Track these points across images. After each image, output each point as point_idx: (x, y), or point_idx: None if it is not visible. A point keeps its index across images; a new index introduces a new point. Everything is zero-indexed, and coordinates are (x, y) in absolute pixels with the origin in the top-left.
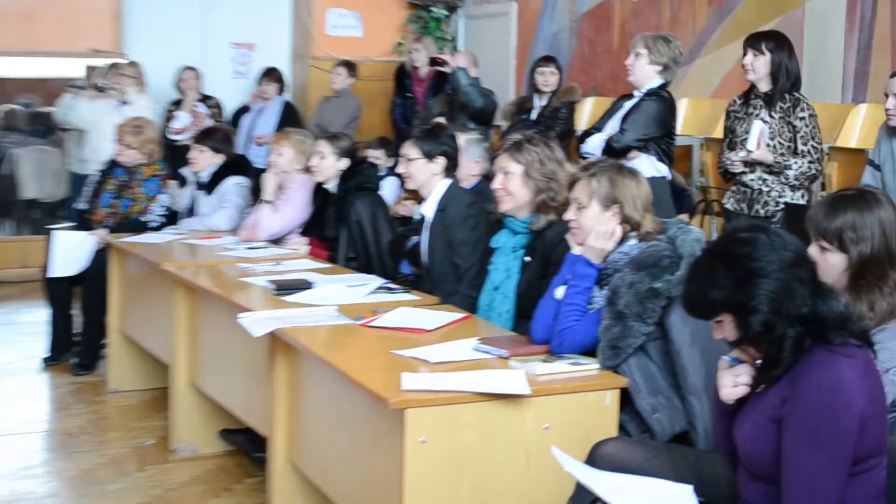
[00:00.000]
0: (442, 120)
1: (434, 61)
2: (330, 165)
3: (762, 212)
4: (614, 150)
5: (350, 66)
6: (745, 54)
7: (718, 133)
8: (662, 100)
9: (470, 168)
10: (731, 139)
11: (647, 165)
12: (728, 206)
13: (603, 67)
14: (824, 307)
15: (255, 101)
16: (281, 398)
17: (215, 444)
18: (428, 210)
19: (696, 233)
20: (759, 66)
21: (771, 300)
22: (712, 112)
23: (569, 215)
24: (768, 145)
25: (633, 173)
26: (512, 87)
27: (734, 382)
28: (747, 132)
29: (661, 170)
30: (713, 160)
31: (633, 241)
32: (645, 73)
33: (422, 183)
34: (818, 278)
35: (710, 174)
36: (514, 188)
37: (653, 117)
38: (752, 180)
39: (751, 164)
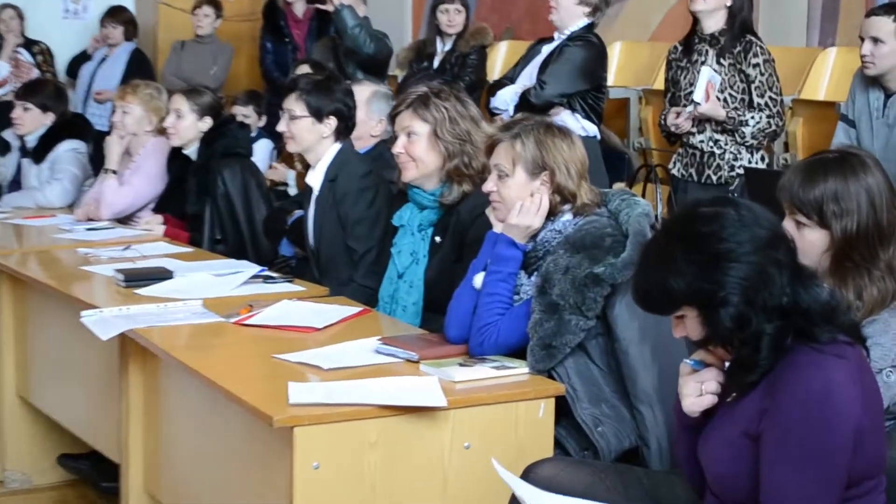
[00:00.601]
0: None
1: None
2: (189, 126)
3: (714, 178)
4: (532, 107)
5: (216, 5)
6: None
7: (659, 84)
8: (590, 45)
9: (370, 127)
10: (674, 93)
11: (571, 124)
12: (674, 172)
13: (519, 5)
14: (807, 297)
15: (97, 48)
16: (135, 416)
17: (52, 472)
18: (315, 180)
19: (643, 205)
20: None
21: (743, 289)
22: (651, 58)
23: (488, 186)
24: (718, 98)
25: (564, 133)
26: (408, 28)
27: (699, 391)
28: (693, 84)
29: (589, 129)
30: (654, 117)
31: (567, 217)
32: (570, 13)
33: (308, 146)
34: (798, 261)
35: (651, 134)
36: (419, 152)
37: (578, 67)
38: (701, 141)
39: (699, 121)
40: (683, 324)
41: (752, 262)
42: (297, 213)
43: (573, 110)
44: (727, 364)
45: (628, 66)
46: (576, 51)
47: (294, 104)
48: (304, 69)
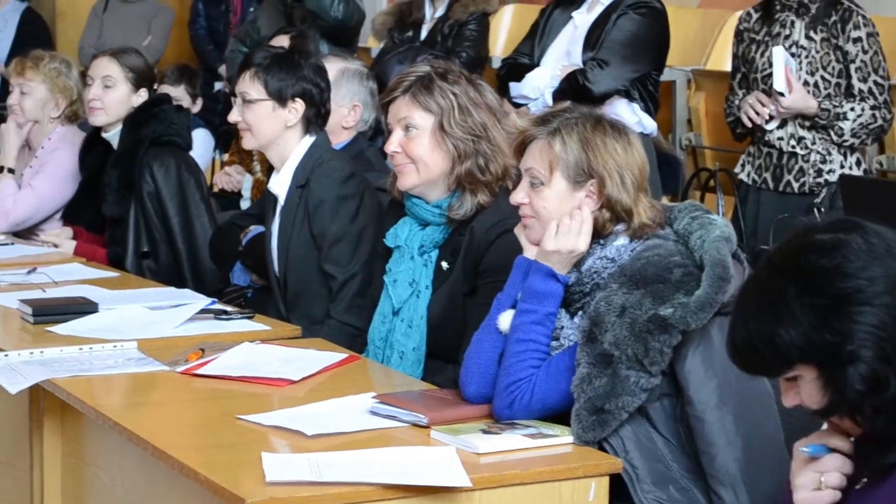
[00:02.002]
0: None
1: None
2: (121, 100)
3: (795, 185)
4: (583, 96)
5: None
6: None
7: (714, 63)
8: (654, 12)
9: (341, 116)
10: (746, 74)
11: (628, 118)
12: (743, 176)
13: None
14: None
15: None
16: (52, 491)
17: None
18: (280, 186)
19: (721, 226)
20: None
21: (877, 340)
22: (703, 30)
23: (517, 197)
24: (806, 84)
25: (618, 130)
26: None
27: (817, 482)
28: (773, 64)
29: (648, 125)
30: (707, 106)
31: (621, 240)
32: None
33: (268, 139)
34: None
35: (704, 128)
36: (420, 152)
37: (644, 41)
38: (780, 139)
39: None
40: (797, 388)
41: (888, 305)
42: (255, 229)
43: (630, 99)
44: (854, 440)
45: (673, 40)
46: (638, 20)
47: (248, 85)
48: (283, 42)
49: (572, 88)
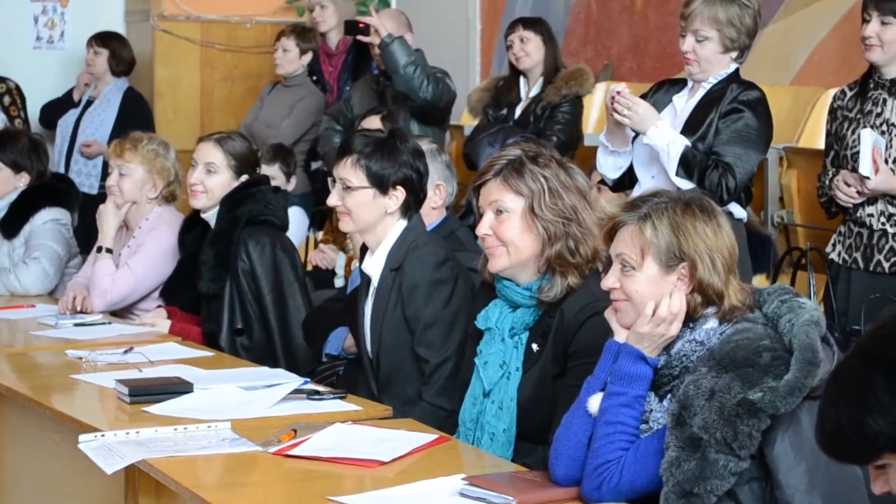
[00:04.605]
0: (377, 123)
1: (352, 26)
2: (223, 185)
3: (886, 265)
4: (718, 194)
5: (302, 35)
6: (865, 19)
7: (806, 140)
8: (763, 104)
9: (429, 198)
10: (839, 152)
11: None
12: (834, 256)
13: (621, 36)
14: None
15: (84, 92)
16: None
17: None
18: (374, 268)
19: (810, 310)
20: (893, 39)
21: None
22: (795, 107)
23: (608, 282)
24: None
25: (708, 213)
26: (475, 64)
27: None
28: (861, 143)
29: (739, 212)
30: (800, 184)
31: (711, 324)
32: (713, 63)
33: (367, 225)
34: None
35: (796, 205)
36: (511, 235)
37: (760, 135)
38: (870, 216)
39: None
40: (886, 476)
41: None
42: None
43: None
44: None
45: None
46: (752, 115)
47: (350, 172)
48: (373, 122)
49: (708, 183)
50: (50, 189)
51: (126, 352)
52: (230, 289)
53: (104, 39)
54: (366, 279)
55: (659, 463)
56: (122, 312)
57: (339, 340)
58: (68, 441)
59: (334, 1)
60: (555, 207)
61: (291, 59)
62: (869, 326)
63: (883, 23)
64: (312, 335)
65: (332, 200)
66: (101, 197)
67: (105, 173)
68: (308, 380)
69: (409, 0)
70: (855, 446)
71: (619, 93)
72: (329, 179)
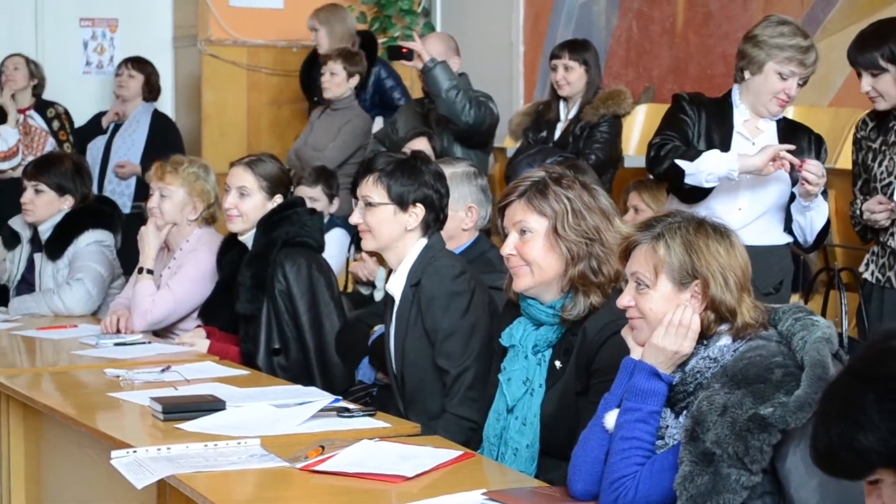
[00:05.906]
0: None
1: (395, 51)
2: (256, 208)
3: None
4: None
5: (349, 58)
6: (859, 75)
7: (844, 162)
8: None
9: (459, 220)
10: (867, 180)
11: (774, 231)
12: (867, 276)
13: (662, 58)
14: None
15: (114, 120)
16: None
17: None
18: (396, 286)
19: (823, 327)
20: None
21: None
22: (833, 129)
23: (624, 300)
24: None
25: (720, 233)
26: (518, 87)
27: None
28: (891, 173)
29: (784, 236)
30: (837, 204)
31: (724, 341)
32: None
33: (388, 242)
34: None
35: (833, 225)
36: (535, 255)
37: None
38: None
39: None
40: (879, 491)
41: None
42: (380, 328)
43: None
44: None
45: None
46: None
47: (371, 189)
48: (421, 144)
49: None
50: (93, 211)
51: (163, 370)
52: (267, 309)
53: (140, 64)
54: (390, 299)
55: (673, 477)
56: (162, 332)
57: (370, 369)
58: (103, 457)
59: (327, 23)
60: (578, 228)
61: (339, 83)
62: (859, 345)
63: (872, 75)
64: (345, 350)
65: (354, 218)
66: (135, 216)
67: (137, 193)
68: (339, 398)
69: (453, 24)
70: (847, 462)
71: (805, 161)
72: (353, 200)
